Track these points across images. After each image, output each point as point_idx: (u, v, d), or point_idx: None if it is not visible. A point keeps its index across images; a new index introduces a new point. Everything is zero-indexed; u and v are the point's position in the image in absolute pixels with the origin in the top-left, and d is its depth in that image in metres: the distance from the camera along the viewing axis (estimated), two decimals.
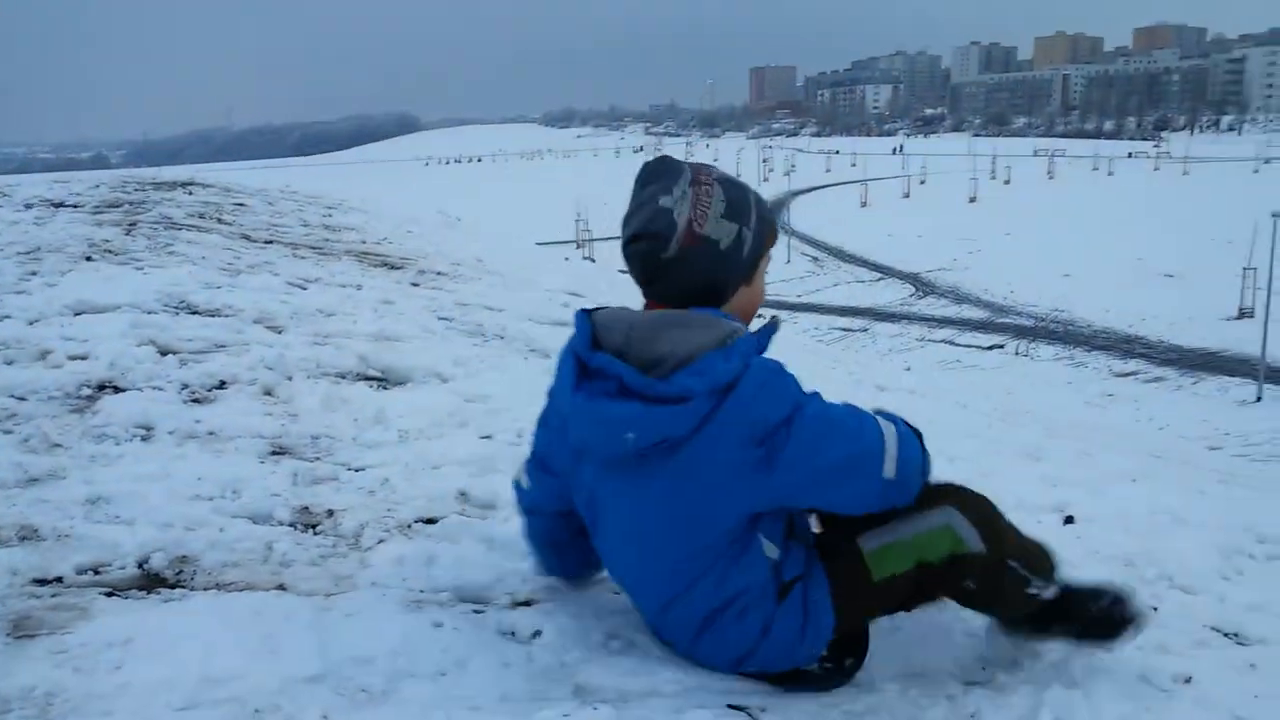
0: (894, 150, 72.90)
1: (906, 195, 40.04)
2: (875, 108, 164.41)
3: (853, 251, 24.38)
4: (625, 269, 1.28)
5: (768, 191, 42.68)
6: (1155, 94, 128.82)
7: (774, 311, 1.52)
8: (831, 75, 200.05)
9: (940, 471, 1.34)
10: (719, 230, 1.26)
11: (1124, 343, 14.51)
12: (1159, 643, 1.46)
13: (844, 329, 16.07)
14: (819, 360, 6.31)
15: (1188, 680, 1.34)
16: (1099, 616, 1.34)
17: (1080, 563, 3.23)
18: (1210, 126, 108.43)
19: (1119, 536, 3.69)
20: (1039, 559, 1.32)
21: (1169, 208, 30.75)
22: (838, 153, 70.39)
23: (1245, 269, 15.16)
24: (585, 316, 1.26)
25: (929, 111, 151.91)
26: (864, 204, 36.17)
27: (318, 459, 1.79)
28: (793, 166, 58.32)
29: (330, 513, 1.54)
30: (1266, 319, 12.17)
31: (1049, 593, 1.31)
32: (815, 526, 1.35)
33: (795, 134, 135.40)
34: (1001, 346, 14.84)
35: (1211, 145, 70.00)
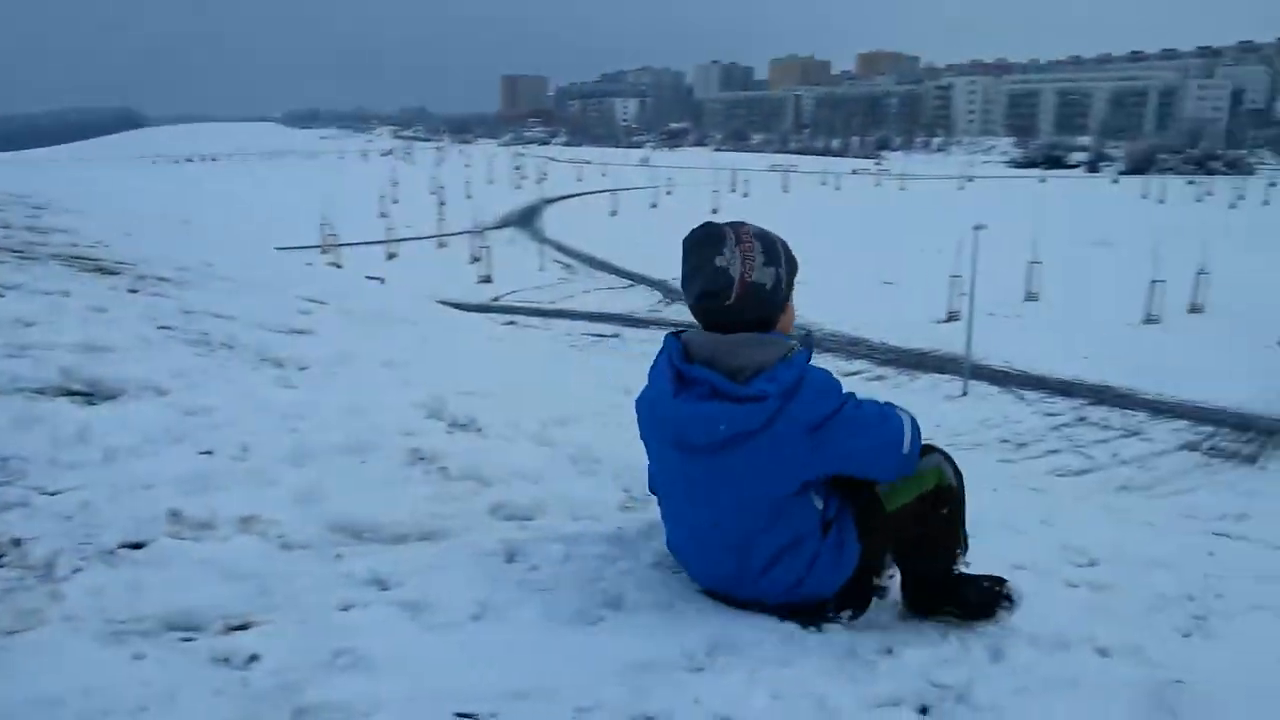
0: (641, 161, 74.98)
1: (654, 205, 41.27)
2: (624, 120, 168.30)
3: (604, 259, 24.78)
4: (692, 317, 1.73)
5: (521, 199, 42.74)
6: (877, 115, 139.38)
7: (805, 328, 1.92)
8: (581, 86, 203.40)
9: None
10: (763, 276, 1.71)
11: (850, 345, 15.58)
12: (867, 621, 1.68)
13: (597, 334, 16.30)
14: (566, 365, 6.37)
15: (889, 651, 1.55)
16: (982, 598, 1.82)
17: None
18: (923, 146, 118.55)
19: None
20: (966, 539, 1.85)
21: (888, 220, 33.58)
22: (589, 162, 71.51)
23: (952, 276, 16.67)
24: (675, 338, 1.76)
25: (674, 125, 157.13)
26: (614, 213, 36.95)
27: (5, 484, 1.61)
28: (545, 174, 58.66)
29: (17, 542, 1.39)
30: (970, 321, 13.45)
31: (960, 565, 1.82)
32: None
33: (547, 142, 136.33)
34: None
35: (924, 164, 76.88)
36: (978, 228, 13.65)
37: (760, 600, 1.71)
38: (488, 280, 20.74)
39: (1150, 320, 16.74)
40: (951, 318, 16.74)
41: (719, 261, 1.72)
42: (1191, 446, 10.93)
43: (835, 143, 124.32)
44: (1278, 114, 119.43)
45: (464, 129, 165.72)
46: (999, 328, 15.59)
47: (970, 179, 51.38)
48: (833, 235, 29.27)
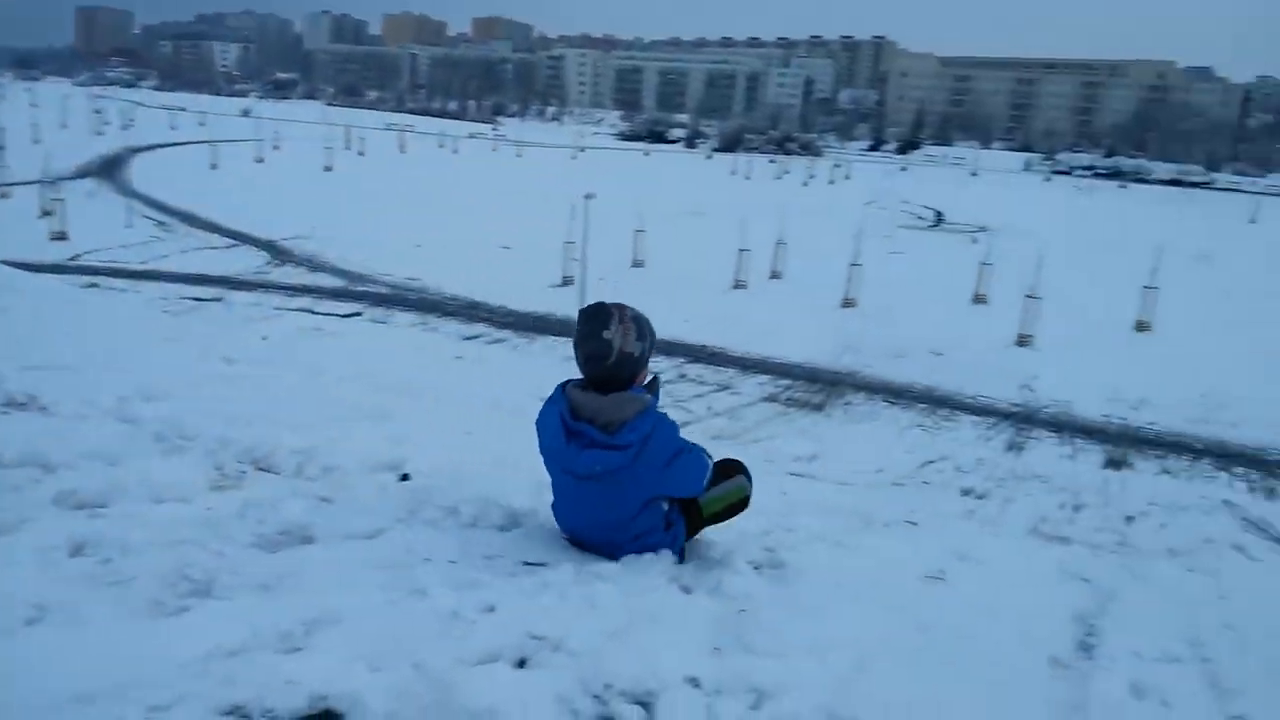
0: (244, 112, 69.73)
1: (260, 160, 38.61)
2: (224, 65, 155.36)
3: (205, 217, 22.83)
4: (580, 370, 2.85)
5: (104, 147, 38.10)
6: (493, 80, 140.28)
7: (654, 373, 3.03)
8: (174, 26, 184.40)
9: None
10: (634, 348, 2.74)
11: (469, 308, 15.66)
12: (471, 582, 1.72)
13: (196, 298, 15.02)
14: (160, 332, 5.83)
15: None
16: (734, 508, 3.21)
17: (418, 509, 3.36)
18: (538, 114, 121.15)
19: (446, 483, 3.99)
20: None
21: (505, 185, 34.03)
22: (184, 110, 65.28)
23: (566, 242, 17.26)
24: (564, 394, 2.74)
25: (282, 75, 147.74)
26: (214, 166, 34.10)
27: None
28: (131, 120, 52.74)
29: None
30: (583, 286, 14.01)
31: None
32: None
33: (134, 85, 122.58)
34: (360, 314, 15.08)
35: (539, 132, 78.53)
36: (588, 196, 14.23)
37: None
38: (63, 238, 18.33)
39: (739, 285, 18.41)
40: (566, 282, 17.36)
41: (605, 335, 2.76)
42: (772, 398, 12.19)
43: (452, 105, 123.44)
44: (841, 103, 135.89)
45: (29, 64, 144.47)
46: (609, 291, 16.38)
47: (582, 149, 53.40)
48: (451, 198, 29.19)
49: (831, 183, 41.36)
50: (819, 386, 13.23)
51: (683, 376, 13.27)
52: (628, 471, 2.75)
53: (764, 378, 13.48)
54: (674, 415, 10.49)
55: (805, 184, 40.60)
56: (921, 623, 4.07)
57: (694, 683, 2.61)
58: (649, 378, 2.99)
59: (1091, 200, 40.24)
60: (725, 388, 12.94)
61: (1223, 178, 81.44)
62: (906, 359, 14.81)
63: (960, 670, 3.54)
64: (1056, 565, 6.41)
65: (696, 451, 2.95)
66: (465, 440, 6.43)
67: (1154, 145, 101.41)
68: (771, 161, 46.81)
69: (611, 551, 2.88)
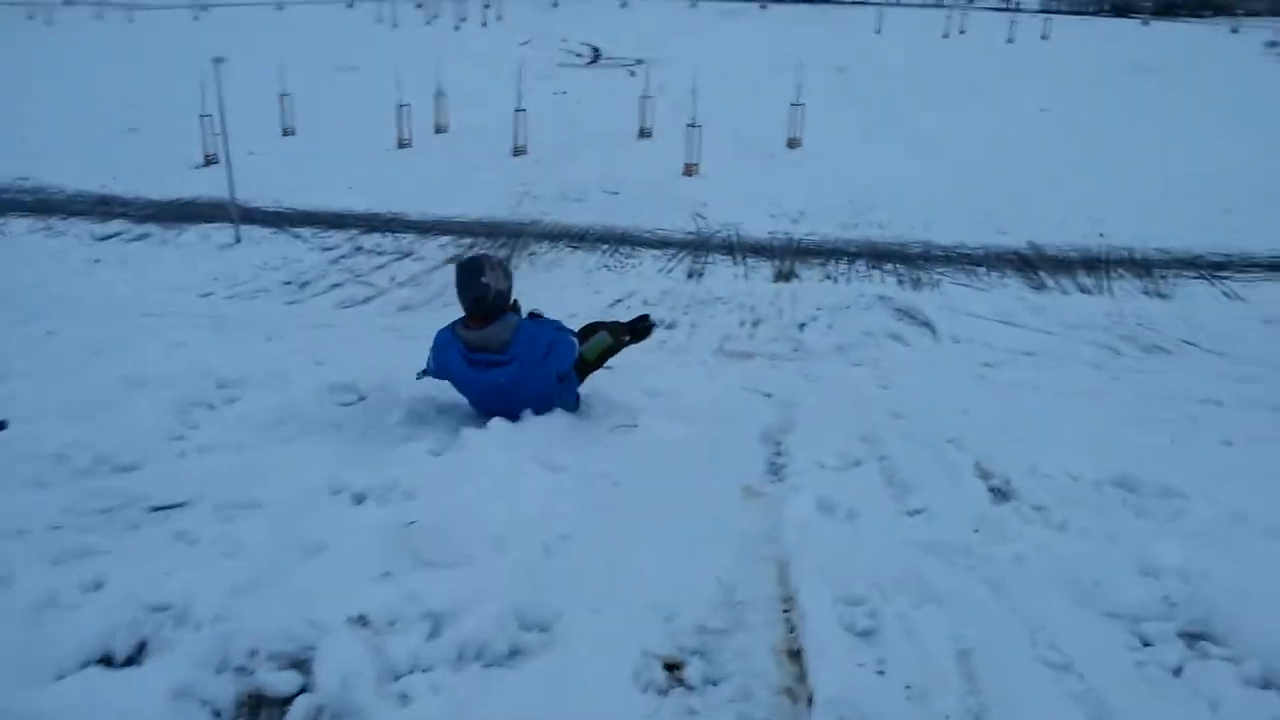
0: None
1: None
2: None
3: None
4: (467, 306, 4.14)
5: None
6: None
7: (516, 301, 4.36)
8: None
9: None
10: (503, 284, 4.06)
11: (100, 204, 13.88)
12: None
13: None
14: None
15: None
16: (644, 330, 5.20)
17: (15, 466, 2.86)
18: None
19: (54, 425, 3.48)
20: (623, 331, 4.98)
21: (120, 58, 29.89)
22: None
23: (202, 116, 15.55)
24: (454, 334, 4.17)
25: None
26: None
27: None
28: None
29: None
30: (229, 164, 12.75)
31: (626, 340, 4.98)
32: None
33: None
34: None
35: None
36: (218, 60, 12.71)
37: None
38: None
39: (404, 144, 17.59)
40: (210, 161, 15.75)
41: (483, 280, 3.97)
42: (457, 259, 11.88)
43: None
44: None
45: None
46: (261, 166, 15.10)
47: (205, 8, 47.90)
48: (57, 79, 25.26)
49: (484, 24, 40.02)
50: (503, 240, 13.03)
51: (359, 249, 12.56)
52: (521, 373, 4.14)
53: (445, 239, 13.07)
54: (356, 290, 10.01)
55: (457, 27, 39.02)
56: (614, 477, 4.06)
57: (361, 622, 2.37)
58: (513, 300, 4.26)
59: (736, 23, 41.74)
60: (406, 254, 12.42)
61: None
62: (583, 201, 14.88)
63: (655, 524, 3.57)
64: (741, 383, 6.80)
65: (562, 334, 4.32)
66: (92, 364, 5.68)
67: None
68: (419, 6, 44.35)
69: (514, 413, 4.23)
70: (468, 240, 12.94)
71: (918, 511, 3.99)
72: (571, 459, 4.13)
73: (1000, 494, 4.26)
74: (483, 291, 4.02)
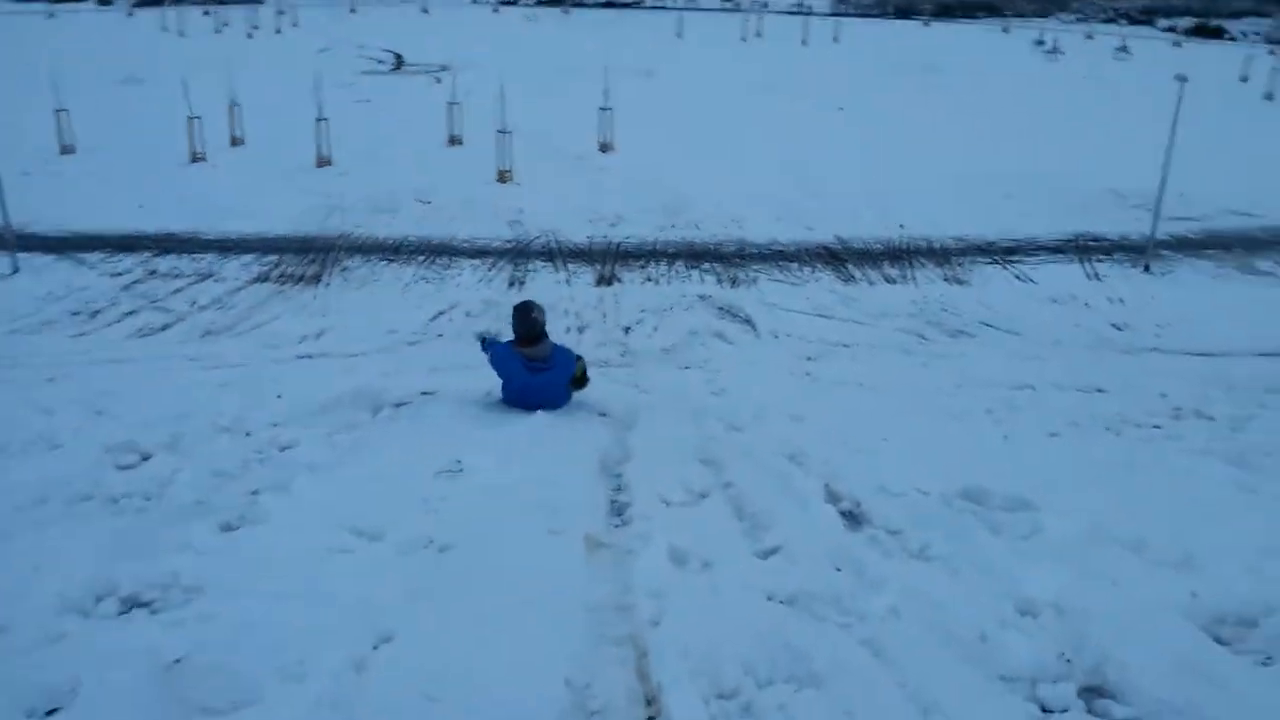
0: None
1: None
2: None
3: None
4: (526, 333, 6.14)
5: None
6: None
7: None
8: None
9: None
10: (543, 317, 6.19)
11: None
12: None
13: None
14: None
15: None
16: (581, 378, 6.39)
17: None
18: None
19: None
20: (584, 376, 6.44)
21: None
22: None
23: None
24: (513, 350, 6.17)
25: None
26: None
27: None
28: None
29: None
30: None
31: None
32: None
33: None
34: None
35: None
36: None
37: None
38: None
39: (197, 158, 16.62)
40: None
41: (534, 315, 6.07)
42: (262, 278, 11.34)
43: None
44: None
45: None
46: (38, 187, 13.94)
47: None
48: None
49: (279, 31, 38.36)
50: (311, 256, 12.48)
51: (153, 273, 11.73)
52: (557, 377, 6.16)
53: (248, 257, 12.39)
54: (152, 318, 9.34)
55: (250, 35, 37.27)
56: (440, 542, 3.69)
57: None
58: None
59: (539, 27, 41.71)
60: (207, 276, 11.70)
61: None
62: (396, 212, 14.46)
63: (489, 607, 3.15)
64: (576, 402, 6.64)
65: (571, 354, 6.39)
66: None
67: None
68: (206, 14, 42.09)
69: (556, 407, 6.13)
70: (272, 257, 12.32)
71: (773, 551, 3.73)
72: (388, 519, 3.76)
73: (853, 519, 4.09)
74: (535, 325, 6.05)
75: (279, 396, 6.54)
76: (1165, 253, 12.68)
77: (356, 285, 11.57)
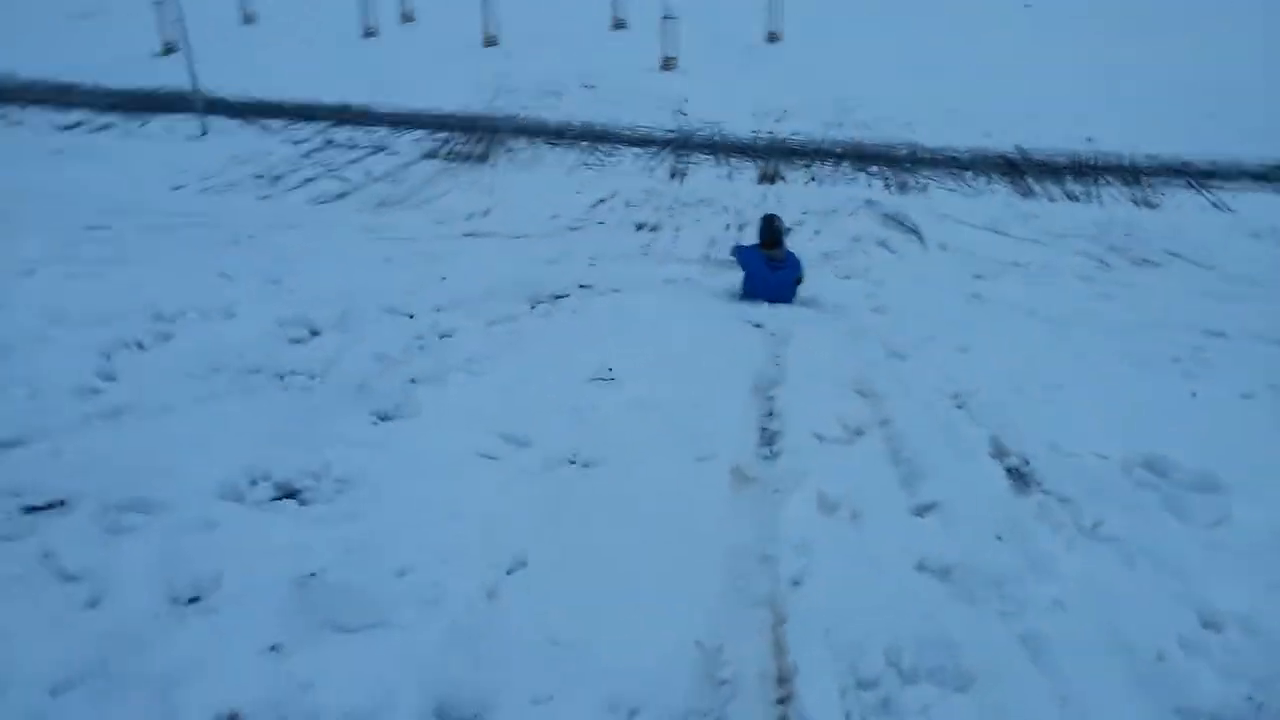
0: None
1: None
2: None
3: None
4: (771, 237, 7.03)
5: None
6: None
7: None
8: None
9: None
10: (784, 226, 7.17)
11: (58, 93, 13.26)
12: None
13: None
14: None
15: None
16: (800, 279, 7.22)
17: None
18: None
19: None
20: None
21: None
22: None
23: (155, 2, 14.78)
24: (758, 250, 6.98)
25: None
26: None
27: None
28: None
29: None
30: (189, 53, 12.15)
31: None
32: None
33: None
34: None
35: None
36: None
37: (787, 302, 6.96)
38: None
39: (369, 33, 16.88)
40: (169, 50, 15.03)
41: (776, 224, 6.96)
42: (432, 154, 11.55)
43: None
44: None
45: None
46: (222, 55, 14.44)
47: None
48: None
49: None
50: (479, 135, 12.61)
51: (330, 143, 12.11)
52: (788, 275, 6.96)
53: (419, 133, 12.63)
54: (329, 185, 9.59)
55: None
56: (583, 457, 3.57)
57: None
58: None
59: None
60: (380, 149, 12.00)
61: None
62: (561, 95, 14.40)
63: (623, 542, 3.07)
64: (736, 314, 6.42)
65: (799, 259, 7.12)
66: (14, 290, 5.25)
67: None
68: None
69: (787, 300, 6.95)
70: (442, 135, 12.51)
71: (929, 507, 3.41)
72: (536, 426, 3.67)
73: (1020, 478, 3.66)
74: (777, 232, 6.93)
75: (444, 278, 6.67)
76: None
77: (522, 167, 11.66)
